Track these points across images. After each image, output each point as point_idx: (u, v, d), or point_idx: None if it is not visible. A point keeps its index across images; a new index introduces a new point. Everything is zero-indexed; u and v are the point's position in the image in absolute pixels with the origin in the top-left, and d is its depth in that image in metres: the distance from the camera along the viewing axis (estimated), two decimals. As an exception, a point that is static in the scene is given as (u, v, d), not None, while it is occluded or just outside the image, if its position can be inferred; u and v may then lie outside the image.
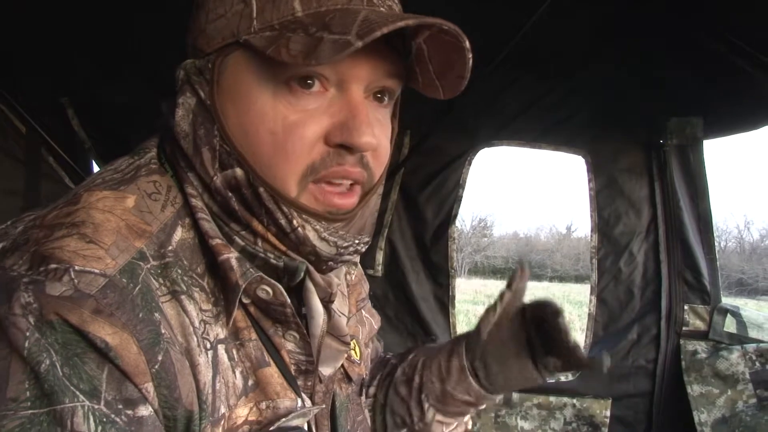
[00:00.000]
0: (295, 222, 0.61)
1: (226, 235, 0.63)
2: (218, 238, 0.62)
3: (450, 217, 2.64)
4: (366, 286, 0.91)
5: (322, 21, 0.57)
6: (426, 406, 0.92)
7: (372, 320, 0.97)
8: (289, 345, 0.67)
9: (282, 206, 0.61)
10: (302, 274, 0.65)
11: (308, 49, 0.55)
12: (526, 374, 0.86)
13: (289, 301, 0.64)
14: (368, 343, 0.94)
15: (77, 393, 0.48)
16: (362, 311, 0.93)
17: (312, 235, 0.62)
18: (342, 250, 0.65)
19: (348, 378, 0.79)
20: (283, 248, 0.64)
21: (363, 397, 0.89)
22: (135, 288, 0.54)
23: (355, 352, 0.83)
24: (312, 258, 0.64)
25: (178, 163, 0.65)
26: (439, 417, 0.92)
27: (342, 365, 0.78)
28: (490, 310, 0.87)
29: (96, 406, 0.48)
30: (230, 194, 0.62)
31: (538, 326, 0.84)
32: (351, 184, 0.64)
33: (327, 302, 0.70)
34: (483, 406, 0.93)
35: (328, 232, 0.63)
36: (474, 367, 0.89)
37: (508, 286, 0.86)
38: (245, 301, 0.63)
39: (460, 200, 2.64)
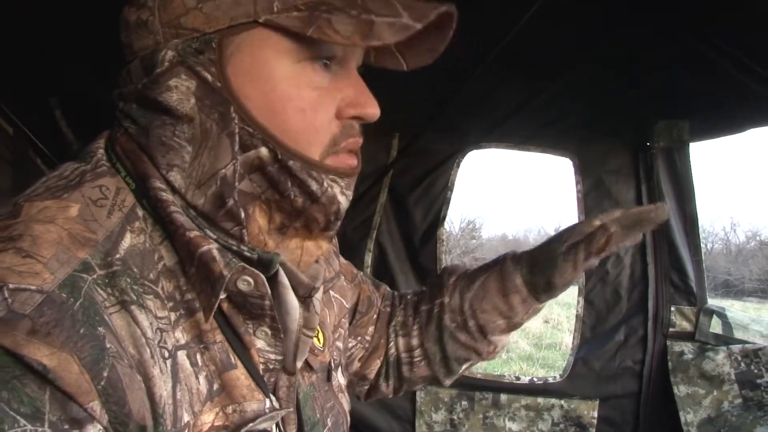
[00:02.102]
0: (325, 184, 0.64)
1: (199, 229, 0.62)
2: (195, 230, 0.61)
3: (439, 219, 2.64)
4: (335, 263, 0.88)
5: (355, 3, 0.60)
6: (493, 339, 1.01)
7: (342, 300, 0.96)
8: (259, 343, 0.66)
9: (312, 173, 0.63)
10: (276, 267, 0.65)
11: (363, 31, 0.58)
12: (564, 275, 0.94)
13: (269, 292, 0.63)
14: (338, 326, 0.93)
15: (18, 417, 0.45)
16: (330, 292, 0.91)
17: (337, 191, 0.65)
18: (348, 204, 0.69)
19: (309, 367, 0.78)
20: (271, 246, 0.65)
21: (338, 381, 0.87)
22: (76, 303, 0.51)
23: (318, 340, 0.81)
24: (332, 218, 0.67)
25: (139, 159, 0.63)
26: (505, 336, 1.02)
27: None
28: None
29: (40, 429, 0.46)
30: (249, 177, 0.62)
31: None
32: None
33: (307, 297, 0.70)
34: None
35: (345, 186, 0.66)
36: (534, 290, 0.97)
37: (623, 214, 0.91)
38: (221, 295, 0.61)
39: (449, 202, 2.65)
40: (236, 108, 0.60)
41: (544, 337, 10.09)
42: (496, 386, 2.56)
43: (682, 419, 2.31)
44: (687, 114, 2.35)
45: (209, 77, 0.60)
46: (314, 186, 0.63)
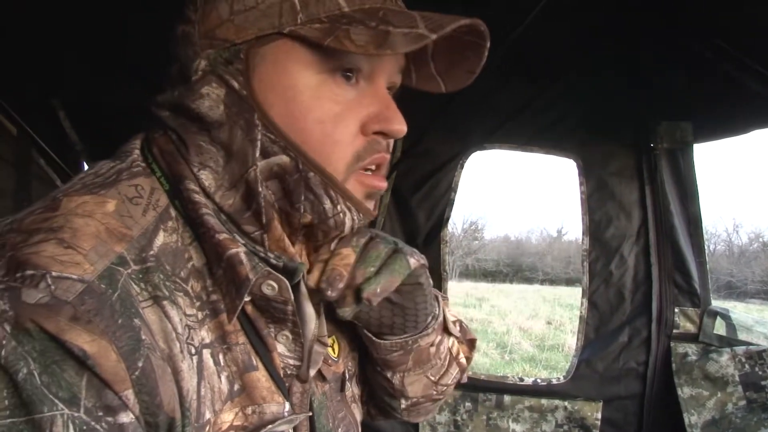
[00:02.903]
0: (339, 207, 0.66)
1: (228, 232, 0.64)
2: (224, 232, 0.63)
3: (442, 221, 2.64)
4: None
5: (375, 16, 0.62)
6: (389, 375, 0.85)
7: None
8: (280, 347, 0.67)
9: (330, 191, 0.65)
10: (300, 276, 0.66)
11: (378, 41, 0.59)
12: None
13: (292, 298, 0.64)
14: (355, 335, 0.88)
15: (56, 401, 0.47)
16: None
17: (347, 220, 0.67)
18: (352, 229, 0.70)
19: (322, 377, 0.78)
20: (292, 251, 0.67)
21: (351, 391, 0.87)
22: (114, 294, 0.53)
23: (333, 350, 0.82)
24: (333, 237, 0.69)
25: (175, 161, 0.65)
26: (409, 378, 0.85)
27: None
28: None
29: (76, 414, 0.48)
30: (266, 184, 0.63)
31: None
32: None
33: (319, 304, 0.71)
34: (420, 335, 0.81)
35: (358, 219, 0.68)
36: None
37: None
38: (245, 298, 0.62)
39: (453, 203, 2.64)
40: (260, 116, 0.63)
41: (547, 338, 10.11)
42: (499, 387, 2.56)
43: (686, 421, 2.31)
44: (689, 115, 2.35)
45: (236, 85, 0.63)
46: (327, 204, 0.65)
